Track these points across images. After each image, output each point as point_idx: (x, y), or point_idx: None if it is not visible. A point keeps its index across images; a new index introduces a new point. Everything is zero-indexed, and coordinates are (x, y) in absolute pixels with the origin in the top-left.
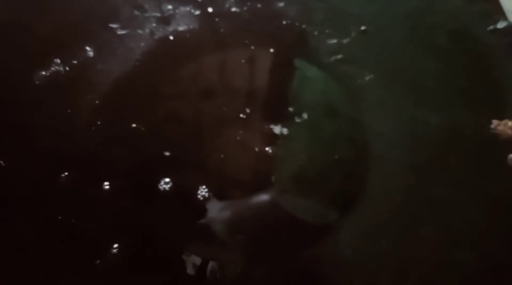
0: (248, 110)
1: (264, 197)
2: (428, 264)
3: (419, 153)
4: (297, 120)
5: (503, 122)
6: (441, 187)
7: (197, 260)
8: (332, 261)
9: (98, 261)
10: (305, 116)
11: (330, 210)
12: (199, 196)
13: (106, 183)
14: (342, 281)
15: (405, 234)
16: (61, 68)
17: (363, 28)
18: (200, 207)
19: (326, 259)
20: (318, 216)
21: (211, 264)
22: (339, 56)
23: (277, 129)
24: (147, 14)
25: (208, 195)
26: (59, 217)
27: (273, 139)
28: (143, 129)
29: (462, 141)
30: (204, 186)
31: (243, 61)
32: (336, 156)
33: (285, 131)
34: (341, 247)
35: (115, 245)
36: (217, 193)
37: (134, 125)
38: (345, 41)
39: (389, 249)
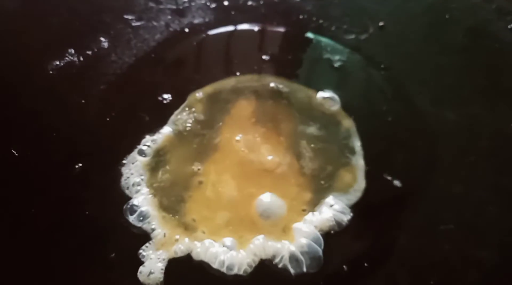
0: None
1: None
2: (449, 262)
3: (438, 150)
4: None
5: None
6: (460, 185)
7: None
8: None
9: (113, 255)
10: None
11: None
12: None
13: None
14: (361, 278)
15: (426, 232)
16: (75, 58)
17: (381, 24)
18: None
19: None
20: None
21: None
22: (357, 52)
23: None
24: (162, 6)
25: None
26: (70, 207)
27: None
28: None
29: (481, 138)
30: None
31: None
32: None
33: None
34: (362, 244)
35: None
36: None
37: (147, 118)
38: (363, 36)
39: (410, 246)
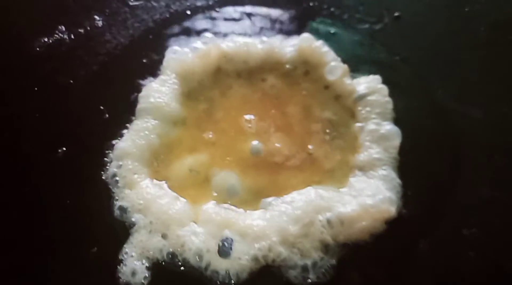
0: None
1: None
2: (472, 268)
3: (463, 151)
4: None
5: None
6: (485, 186)
7: None
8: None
9: (94, 249)
10: None
11: None
12: None
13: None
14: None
15: (450, 238)
16: (66, 36)
17: (396, 14)
18: None
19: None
20: None
21: None
22: (371, 42)
23: None
24: None
25: None
26: (52, 191)
27: None
28: None
29: (506, 137)
30: None
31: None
32: None
33: None
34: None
35: None
36: None
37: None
38: (377, 27)
39: (433, 252)
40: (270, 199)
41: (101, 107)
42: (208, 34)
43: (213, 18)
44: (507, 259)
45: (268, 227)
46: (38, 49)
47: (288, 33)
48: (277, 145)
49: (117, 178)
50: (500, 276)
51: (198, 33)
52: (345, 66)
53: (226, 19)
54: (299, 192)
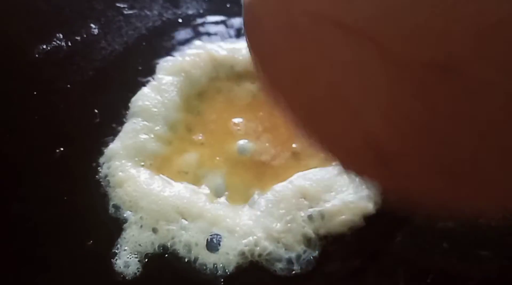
0: None
1: None
2: (448, 261)
3: None
4: None
5: None
6: None
7: None
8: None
9: (90, 242)
10: None
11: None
12: None
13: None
14: (357, 277)
15: (424, 229)
16: (63, 43)
17: None
18: None
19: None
20: None
21: None
22: None
23: None
24: None
25: None
26: (49, 192)
27: None
28: None
29: None
30: None
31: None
32: None
33: None
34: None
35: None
36: None
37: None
38: None
39: (407, 244)
40: (256, 196)
41: (96, 111)
42: (198, 41)
43: (203, 25)
44: (480, 249)
45: (254, 223)
46: (37, 55)
47: None
48: (263, 144)
49: (109, 177)
50: (473, 265)
51: (189, 39)
52: None
53: (215, 26)
54: (283, 189)
